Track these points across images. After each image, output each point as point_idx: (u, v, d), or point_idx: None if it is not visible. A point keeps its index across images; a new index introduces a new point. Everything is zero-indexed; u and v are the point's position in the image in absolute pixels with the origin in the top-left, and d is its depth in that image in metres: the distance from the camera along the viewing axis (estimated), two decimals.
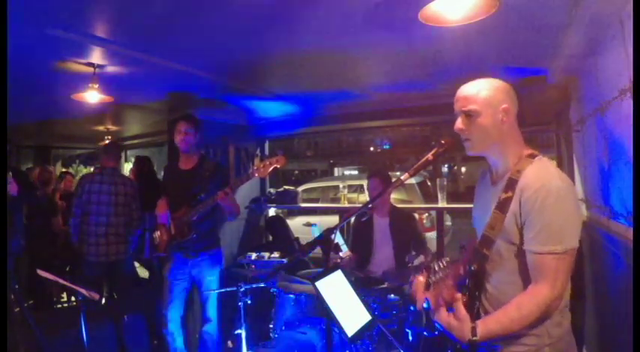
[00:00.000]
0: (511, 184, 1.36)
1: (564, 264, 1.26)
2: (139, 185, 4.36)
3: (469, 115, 1.42)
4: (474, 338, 1.25)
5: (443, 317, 1.32)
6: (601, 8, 1.72)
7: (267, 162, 2.73)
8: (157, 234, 3.12)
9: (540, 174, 1.32)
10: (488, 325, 1.28)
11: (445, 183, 4.08)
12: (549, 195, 1.26)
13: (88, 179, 3.82)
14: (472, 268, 1.41)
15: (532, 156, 1.40)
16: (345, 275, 1.81)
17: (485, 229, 1.40)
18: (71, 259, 4.54)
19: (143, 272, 5.39)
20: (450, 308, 1.33)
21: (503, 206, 1.36)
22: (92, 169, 4.31)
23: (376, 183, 3.27)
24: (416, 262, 2.69)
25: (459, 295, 1.34)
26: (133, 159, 7.59)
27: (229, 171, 4.28)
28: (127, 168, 7.40)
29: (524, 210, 1.30)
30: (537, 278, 1.28)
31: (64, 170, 6.67)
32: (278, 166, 2.73)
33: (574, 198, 1.32)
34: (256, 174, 2.74)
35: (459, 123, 1.44)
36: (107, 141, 4.10)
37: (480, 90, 1.43)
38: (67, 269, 4.74)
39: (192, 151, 3.12)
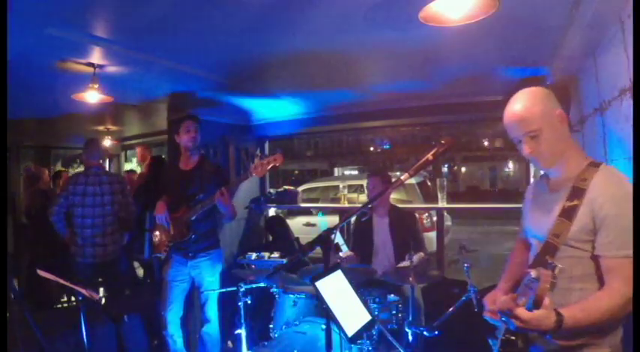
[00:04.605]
0: (577, 193, 1.36)
1: (632, 267, 1.27)
2: (151, 184, 4.36)
3: (534, 136, 1.40)
4: (561, 325, 1.22)
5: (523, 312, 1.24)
6: (601, 8, 1.72)
7: (265, 161, 2.73)
8: (156, 234, 3.12)
9: (613, 180, 1.34)
10: (574, 312, 1.26)
11: (445, 183, 4.07)
12: (626, 202, 1.28)
13: (73, 180, 3.74)
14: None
15: (595, 165, 1.40)
16: (345, 275, 1.81)
17: (548, 237, 1.40)
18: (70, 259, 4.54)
19: (142, 273, 5.39)
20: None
21: (569, 214, 1.36)
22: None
23: (376, 181, 3.27)
24: (415, 259, 2.68)
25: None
26: (133, 159, 7.62)
27: (229, 173, 4.28)
28: (128, 167, 7.42)
29: (600, 217, 1.31)
30: (612, 281, 1.30)
31: (63, 169, 6.70)
32: (276, 164, 2.73)
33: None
34: (254, 173, 2.74)
35: (527, 148, 1.42)
36: (87, 140, 4.00)
37: (532, 106, 1.40)
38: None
39: (196, 151, 3.13)
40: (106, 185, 3.73)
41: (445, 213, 5.50)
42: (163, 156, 5.09)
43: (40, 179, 4.98)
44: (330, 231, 1.57)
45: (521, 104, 1.42)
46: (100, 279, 3.93)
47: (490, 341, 1.58)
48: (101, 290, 4.09)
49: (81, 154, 6.77)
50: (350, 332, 1.62)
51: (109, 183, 3.76)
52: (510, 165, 25.22)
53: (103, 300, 4.08)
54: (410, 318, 2.63)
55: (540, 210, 1.53)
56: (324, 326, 1.62)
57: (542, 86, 1.52)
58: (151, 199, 3.81)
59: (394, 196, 4.83)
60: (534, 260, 1.46)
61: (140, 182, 5.16)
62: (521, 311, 1.24)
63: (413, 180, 8.06)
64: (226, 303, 3.26)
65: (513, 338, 1.41)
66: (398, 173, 11.32)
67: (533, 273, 1.19)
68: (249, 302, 2.81)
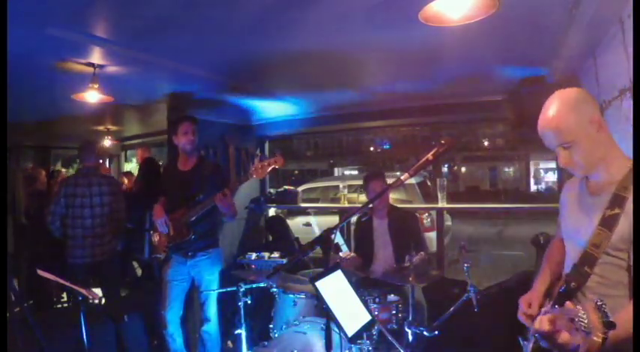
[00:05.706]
0: (618, 201, 1.30)
1: None
2: (146, 185, 4.36)
3: (567, 147, 1.35)
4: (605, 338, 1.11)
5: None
6: (601, 8, 1.73)
7: (266, 163, 2.73)
8: (156, 235, 3.12)
9: None
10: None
11: (445, 183, 4.07)
12: None
13: (64, 183, 3.75)
14: (572, 286, 1.34)
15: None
16: (345, 275, 1.81)
17: (588, 246, 1.35)
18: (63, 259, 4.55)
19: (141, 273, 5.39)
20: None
21: (609, 223, 1.30)
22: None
23: (379, 185, 3.23)
24: (415, 260, 2.68)
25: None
26: (133, 159, 7.63)
27: (228, 172, 4.28)
28: (127, 167, 7.42)
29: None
30: None
31: (59, 169, 6.72)
32: (276, 166, 2.73)
33: None
34: (254, 175, 2.74)
35: (563, 159, 1.37)
36: (82, 142, 3.99)
37: (566, 115, 1.33)
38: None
39: (194, 152, 3.13)
40: (95, 186, 3.72)
41: (445, 213, 5.50)
42: (160, 159, 5.10)
43: (37, 180, 5.02)
44: (330, 231, 1.57)
45: (553, 111, 1.35)
46: (91, 280, 3.92)
47: (521, 340, 1.55)
48: (100, 290, 4.09)
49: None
50: (350, 332, 1.62)
51: (99, 185, 3.74)
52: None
53: (103, 300, 4.09)
54: (410, 318, 2.63)
55: (579, 214, 1.47)
56: (324, 326, 1.62)
57: (576, 87, 1.43)
58: (149, 200, 3.81)
59: (394, 196, 4.82)
60: (572, 269, 1.40)
61: (138, 183, 5.18)
62: (564, 341, 1.16)
63: (413, 180, 8.04)
64: (226, 303, 3.26)
65: None
66: (398, 173, 11.31)
67: (583, 318, 1.06)
68: (249, 302, 2.81)
